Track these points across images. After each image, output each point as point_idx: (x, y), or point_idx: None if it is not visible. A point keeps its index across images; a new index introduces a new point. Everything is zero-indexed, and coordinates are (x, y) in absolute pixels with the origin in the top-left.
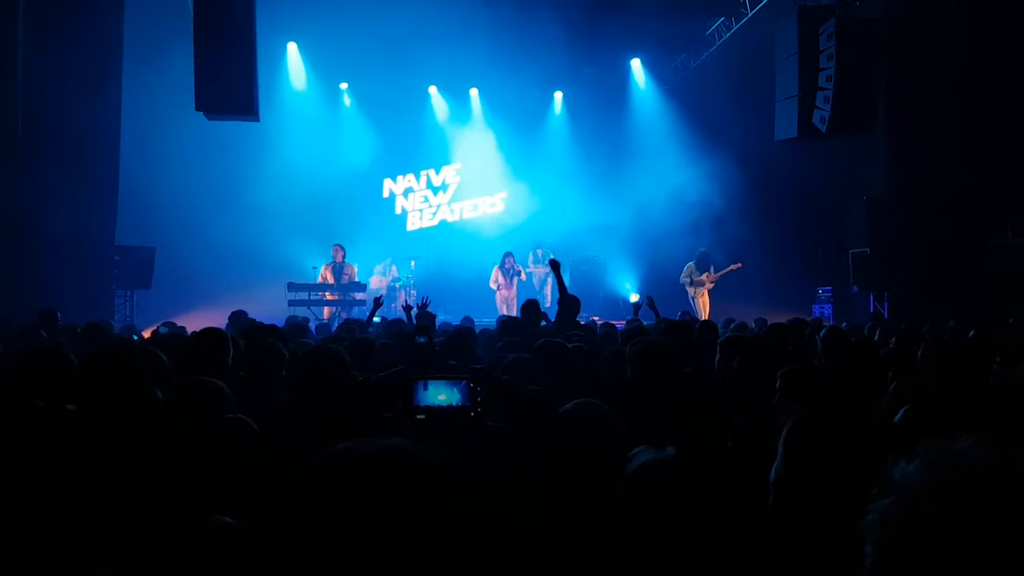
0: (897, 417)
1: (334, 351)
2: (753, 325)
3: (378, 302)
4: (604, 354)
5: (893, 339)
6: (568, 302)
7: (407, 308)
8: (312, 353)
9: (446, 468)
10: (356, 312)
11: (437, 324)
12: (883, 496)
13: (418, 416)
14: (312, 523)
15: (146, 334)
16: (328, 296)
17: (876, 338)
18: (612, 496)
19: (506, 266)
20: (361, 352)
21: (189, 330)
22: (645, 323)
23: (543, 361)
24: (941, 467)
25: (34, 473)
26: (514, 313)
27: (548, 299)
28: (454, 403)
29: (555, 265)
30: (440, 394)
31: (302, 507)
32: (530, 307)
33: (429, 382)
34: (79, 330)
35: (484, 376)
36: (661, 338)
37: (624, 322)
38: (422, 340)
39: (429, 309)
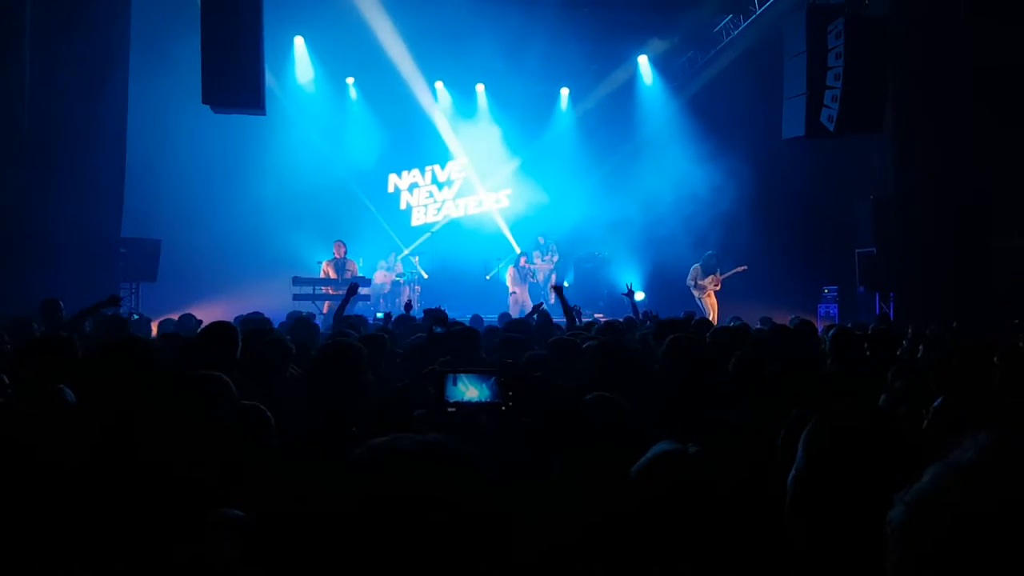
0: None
1: (353, 346)
2: (759, 324)
3: (353, 289)
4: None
5: (906, 342)
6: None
7: (408, 306)
8: (330, 347)
9: (483, 465)
10: (360, 307)
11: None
12: (907, 497)
13: (449, 409)
14: (348, 521)
15: (154, 325)
16: (332, 291)
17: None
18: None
19: (521, 264)
20: (372, 348)
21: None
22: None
23: (559, 358)
24: (948, 472)
25: (43, 465)
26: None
27: (552, 297)
28: (484, 398)
29: (559, 290)
30: (470, 389)
31: (338, 504)
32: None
33: (459, 377)
34: (104, 317)
35: (514, 372)
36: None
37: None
38: (439, 330)
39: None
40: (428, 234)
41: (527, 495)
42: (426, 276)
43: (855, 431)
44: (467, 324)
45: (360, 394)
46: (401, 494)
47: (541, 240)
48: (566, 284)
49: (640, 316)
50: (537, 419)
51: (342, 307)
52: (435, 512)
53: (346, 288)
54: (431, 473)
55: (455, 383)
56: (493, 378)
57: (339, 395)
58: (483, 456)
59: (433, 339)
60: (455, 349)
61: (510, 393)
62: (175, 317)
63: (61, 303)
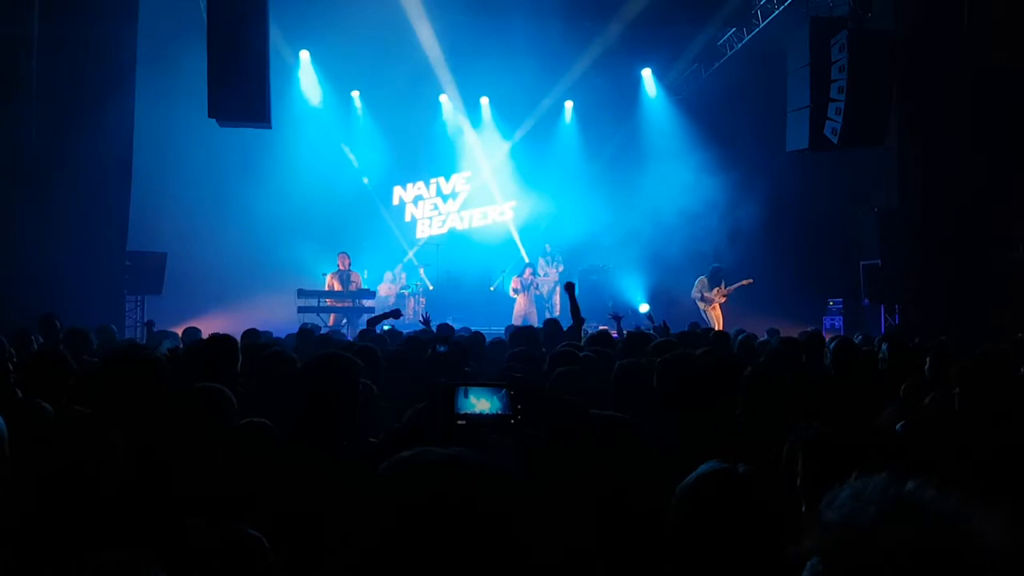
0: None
1: (346, 358)
2: (765, 336)
3: (396, 314)
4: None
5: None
6: (577, 323)
7: (425, 320)
8: (322, 360)
9: (506, 475)
10: (364, 319)
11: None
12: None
13: (459, 422)
14: (383, 535)
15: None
16: (338, 303)
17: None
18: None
19: (525, 277)
20: (366, 360)
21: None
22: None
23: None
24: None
25: (49, 476)
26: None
27: (557, 308)
28: (495, 411)
29: (569, 287)
30: (481, 401)
31: (372, 518)
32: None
33: (470, 389)
34: (92, 333)
35: (524, 385)
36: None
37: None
38: (442, 349)
39: (439, 319)
40: (416, 248)
41: (537, 504)
42: (431, 287)
43: (846, 449)
44: (467, 335)
45: (356, 406)
46: (433, 503)
47: (548, 248)
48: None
49: (624, 335)
50: (546, 432)
51: (377, 320)
52: (464, 519)
53: (351, 300)
54: (459, 482)
55: (466, 396)
56: (504, 391)
57: (333, 407)
58: (503, 467)
59: (436, 359)
60: (459, 363)
61: (519, 407)
62: (179, 331)
63: (56, 319)
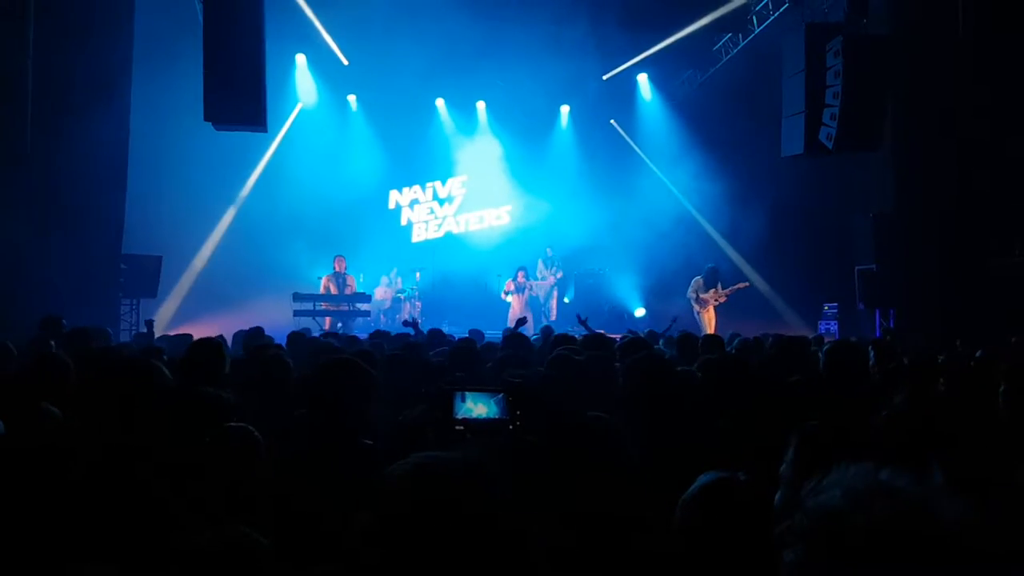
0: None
1: (357, 364)
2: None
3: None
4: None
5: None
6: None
7: (411, 323)
8: (334, 364)
9: (505, 480)
10: (360, 322)
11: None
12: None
13: (457, 427)
14: (393, 538)
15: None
16: (333, 307)
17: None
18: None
19: (518, 280)
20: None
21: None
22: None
23: (556, 373)
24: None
25: (45, 476)
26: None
27: (553, 312)
28: (492, 415)
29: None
30: (478, 406)
31: (380, 521)
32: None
33: (467, 394)
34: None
35: (521, 390)
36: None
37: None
38: (435, 354)
39: (435, 323)
40: (412, 251)
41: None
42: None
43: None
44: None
45: (363, 410)
46: (441, 507)
47: (549, 252)
48: (578, 313)
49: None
50: (543, 437)
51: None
52: (470, 521)
53: (347, 303)
54: (468, 487)
55: (463, 400)
56: (501, 395)
57: (342, 410)
58: (500, 473)
59: (430, 364)
60: (453, 370)
61: (518, 412)
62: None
63: (61, 320)
